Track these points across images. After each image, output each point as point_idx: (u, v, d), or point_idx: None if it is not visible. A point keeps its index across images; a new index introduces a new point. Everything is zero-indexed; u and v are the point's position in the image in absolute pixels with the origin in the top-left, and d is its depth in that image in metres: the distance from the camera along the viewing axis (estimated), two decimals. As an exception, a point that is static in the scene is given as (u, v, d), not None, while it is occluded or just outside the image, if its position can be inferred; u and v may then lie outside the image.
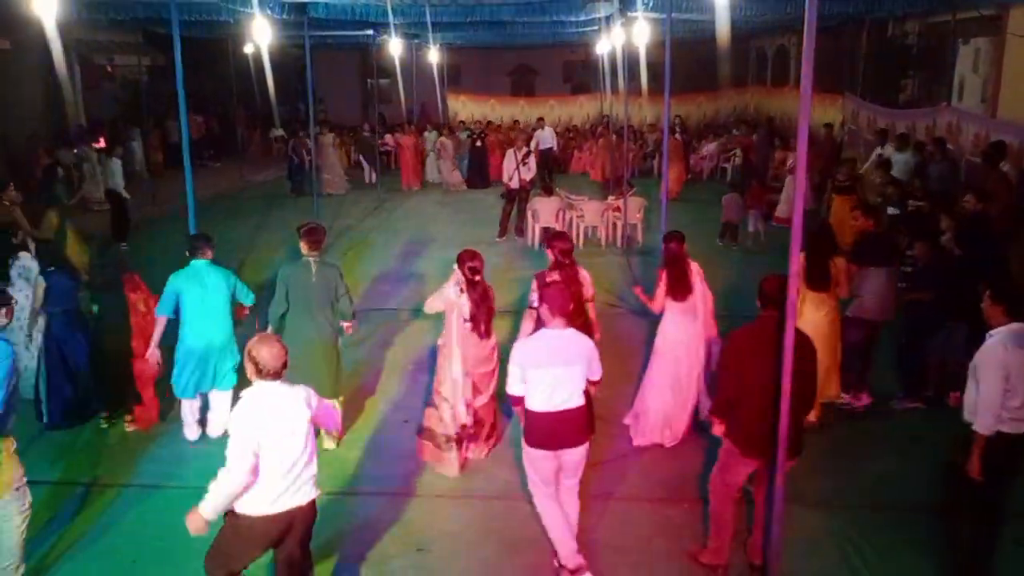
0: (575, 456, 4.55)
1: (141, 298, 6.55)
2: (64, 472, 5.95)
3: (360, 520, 5.30)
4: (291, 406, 3.78)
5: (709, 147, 19.70)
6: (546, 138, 19.62)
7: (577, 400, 4.46)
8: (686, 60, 22.89)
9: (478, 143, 19.50)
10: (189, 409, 6.34)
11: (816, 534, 5.07)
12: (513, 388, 4.52)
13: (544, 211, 12.86)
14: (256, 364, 3.72)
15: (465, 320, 5.71)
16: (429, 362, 7.97)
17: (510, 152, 13.92)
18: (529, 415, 4.50)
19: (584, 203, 13.42)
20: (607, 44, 17.28)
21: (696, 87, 25.78)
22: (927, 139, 13.12)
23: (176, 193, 12.10)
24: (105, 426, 6.55)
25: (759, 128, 19.84)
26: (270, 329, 5.84)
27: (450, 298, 5.73)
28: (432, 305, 5.87)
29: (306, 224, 6.12)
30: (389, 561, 4.87)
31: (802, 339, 4.31)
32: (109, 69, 22.89)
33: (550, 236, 6.30)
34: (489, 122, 23.68)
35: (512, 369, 4.49)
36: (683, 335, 6.16)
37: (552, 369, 4.39)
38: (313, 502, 3.93)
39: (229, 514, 3.80)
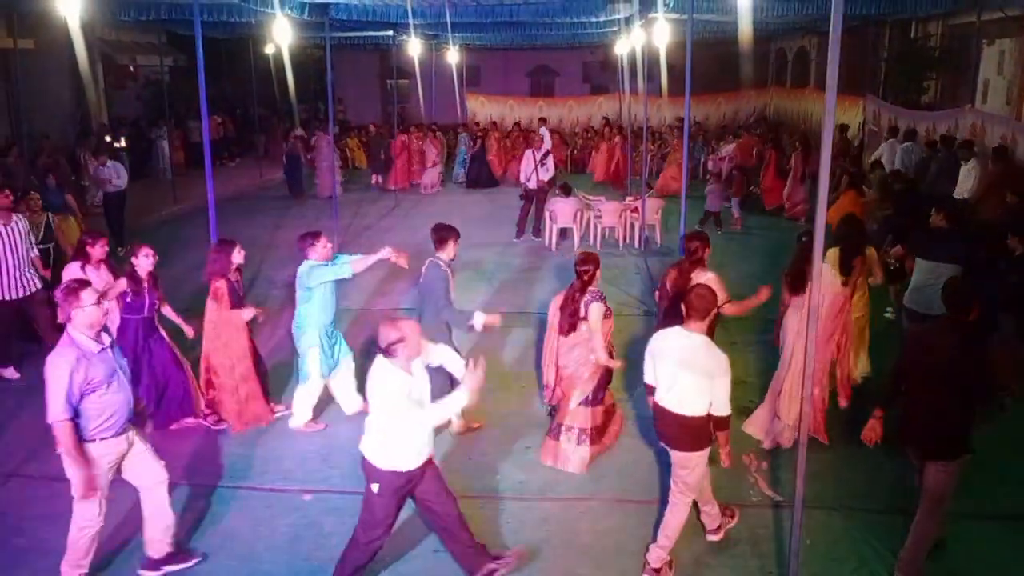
0: (675, 458, 4.64)
1: (212, 307, 6.35)
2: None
3: (377, 519, 5.29)
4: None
5: (728, 148, 19.59)
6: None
7: (687, 408, 4.47)
8: (706, 61, 22.81)
9: (478, 145, 19.53)
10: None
11: (835, 537, 5.02)
12: (646, 376, 4.76)
13: (562, 212, 12.83)
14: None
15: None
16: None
17: (528, 153, 13.92)
18: (654, 404, 4.71)
19: (602, 204, 13.38)
20: (626, 45, 17.23)
21: (716, 88, 25.68)
22: (937, 137, 13.46)
23: (197, 192, 12.22)
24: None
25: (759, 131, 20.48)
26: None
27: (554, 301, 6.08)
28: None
29: (436, 224, 6.28)
30: (405, 563, 4.87)
31: (967, 345, 4.37)
32: (132, 69, 23.13)
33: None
34: (493, 123, 23.71)
35: (646, 356, 4.72)
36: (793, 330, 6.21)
37: (671, 368, 4.50)
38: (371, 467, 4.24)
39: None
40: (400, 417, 4.14)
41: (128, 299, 6.26)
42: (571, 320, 5.84)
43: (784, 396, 6.11)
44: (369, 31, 17.85)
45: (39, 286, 7.68)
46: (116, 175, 12.73)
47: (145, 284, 6.29)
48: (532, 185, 13.47)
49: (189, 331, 6.64)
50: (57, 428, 4.14)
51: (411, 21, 15.07)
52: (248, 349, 6.47)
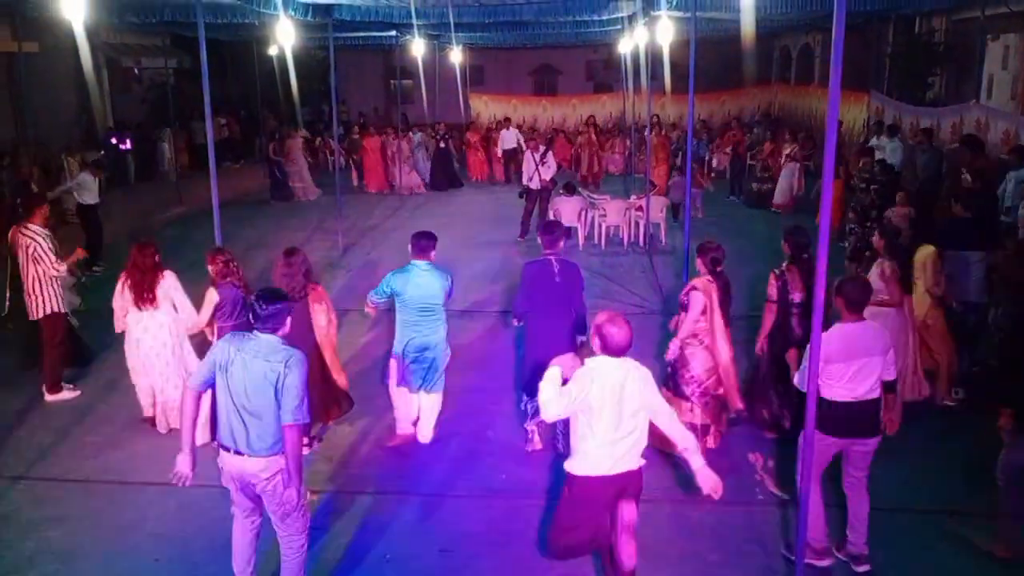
0: (866, 448, 4.61)
1: (323, 310, 6.16)
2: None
3: (383, 520, 5.31)
4: (622, 381, 3.97)
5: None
6: (509, 139, 19.56)
7: (875, 392, 4.54)
8: (710, 59, 22.76)
9: (441, 144, 19.51)
10: (405, 403, 6.28)
11: (840, 534, 5.00)
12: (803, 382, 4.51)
13: (566, 210, 12.82)
14: (601, 339, 3.99)
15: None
16: (454, 364, 7.95)
17: (528, 153, 13.94)
18: (823, 403, 4.49)
19: (606, 203, 13.38)
20: (630, 43, 17.22)
21: (720, 86, 25.63)
22: (920, 131, 13.95)
23: (201, 193, 12.21)
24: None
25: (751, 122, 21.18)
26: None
27: (703, 293, 5.84)
28: (695, 308, 5.87)
29: (546, 222, 6.06)
30: (412, 561, 4.87)
31: None
32: (136, 72, 23.18)
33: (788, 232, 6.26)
34: (471, 122, 23.60)
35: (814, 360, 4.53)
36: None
37: (855, 361, 4.48)
38: (637, 472, 4.09)
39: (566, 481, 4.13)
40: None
41: (222, 307, 6.09)
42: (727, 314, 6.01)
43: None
44: (372, 32, 17.84)
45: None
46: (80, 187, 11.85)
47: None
48: (534, 185, 13.47)
49: None
50: (302, 430, 4.12)
51: (414, 22, 15.07)
52: None
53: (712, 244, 6.01)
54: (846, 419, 4.54)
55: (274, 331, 4.08)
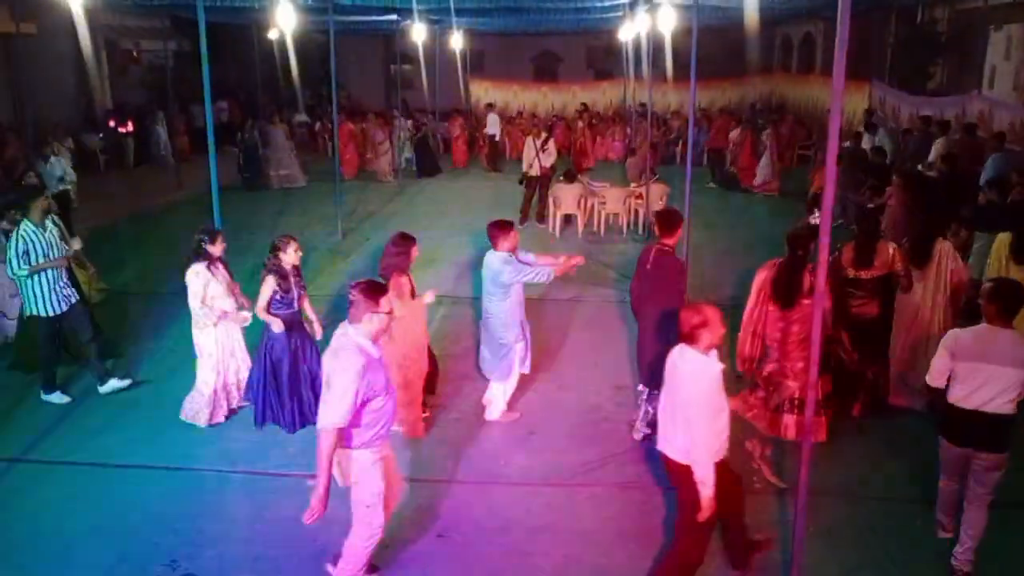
0: (985, 462, 4.41)
1: (388, 299, 5.73)
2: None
3: (381, 504, 5.30)
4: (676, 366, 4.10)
5: (732, 134, 19.54)
6: (492, 124, 19.49)
7: (1003, 407, 4.32)
8: (711, 46, 22.65)
9: (420, 133, 19.52)
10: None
11: (839, 524, 5.02)
12: (934, 379, 4.46)
13: (565, 198, 12.79)
14: None
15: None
16: (455, 349, 7.96)
17: (529, 139, 13.90)
18: (948, 407, 4.45)
19: (606, 190, 13.34)
20: (631, 30, 17.14)
21: (721, 74, 25.50)
22: (918, 119, 14.55)
23: (201, 177, 12.21)
24: None
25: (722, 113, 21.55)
26: None
27: (762, 271, 5.74)
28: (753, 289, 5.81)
29: (662, 209, 6.02)
30: (408, 547, 4.88)
31: None
32: (136, 54, 23.06)
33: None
34: (456, 109, 23.68)
35: (942, 356, 4.42)
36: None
37: (984, 366, 4.29)
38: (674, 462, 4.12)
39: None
40: (712, 408, 3.96)
41: (278, 296, 5.99)
42: (791, 296, 5.57)
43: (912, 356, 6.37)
44: (373, 16, 17.74)
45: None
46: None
47: (292, 278, 6.06)
48: (534, 172, 13.43)
49: (319, 331, 6.23)
50: (329, 433, 3.91)
51: (415, 6, 14.99)
52: (426, 344, 6.23)
53: (799, 229, 5.75)
54: (964, 426, 4.40)
55: (350, 320, 4.02)
